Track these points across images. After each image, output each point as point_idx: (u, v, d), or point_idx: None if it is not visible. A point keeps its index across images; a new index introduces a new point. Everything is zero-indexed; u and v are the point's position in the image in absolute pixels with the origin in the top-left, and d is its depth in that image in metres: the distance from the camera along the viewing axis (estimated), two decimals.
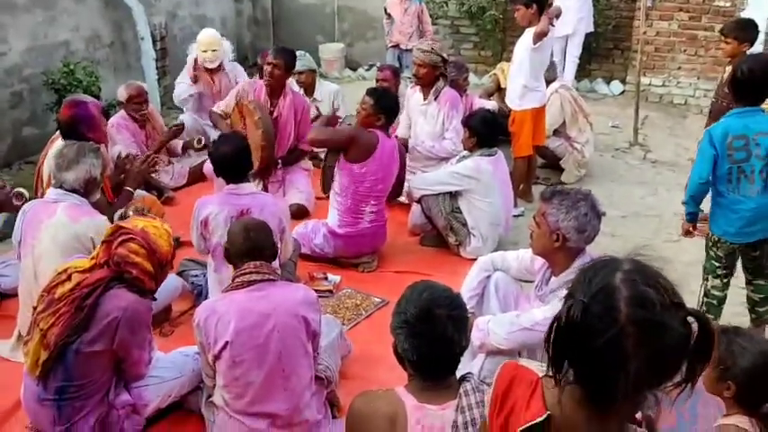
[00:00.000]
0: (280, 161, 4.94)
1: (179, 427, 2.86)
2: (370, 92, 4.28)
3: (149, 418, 2.79)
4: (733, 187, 3.34)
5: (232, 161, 3.50)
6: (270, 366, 2.56)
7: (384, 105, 4.20)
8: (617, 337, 1.19)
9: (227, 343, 2.51)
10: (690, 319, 1.22)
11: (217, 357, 2.55)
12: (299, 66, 5.74)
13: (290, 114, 4.93)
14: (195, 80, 5.87)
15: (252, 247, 2.67)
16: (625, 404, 1.28)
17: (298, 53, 5.82)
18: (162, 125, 5.51)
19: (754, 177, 3.29)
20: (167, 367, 2.80)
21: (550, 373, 1.32)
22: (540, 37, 4.72)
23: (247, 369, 2.54)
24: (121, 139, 4.97)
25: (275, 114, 4.85)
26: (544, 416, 1.35)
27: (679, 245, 4.60)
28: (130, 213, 3.41)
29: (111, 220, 3.57)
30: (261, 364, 2.55)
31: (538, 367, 1.46)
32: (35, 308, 2.65)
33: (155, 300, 2.77)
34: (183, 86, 5.93)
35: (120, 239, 2.61)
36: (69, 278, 2.59)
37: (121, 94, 5.15)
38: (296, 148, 5.07)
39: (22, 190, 3.76)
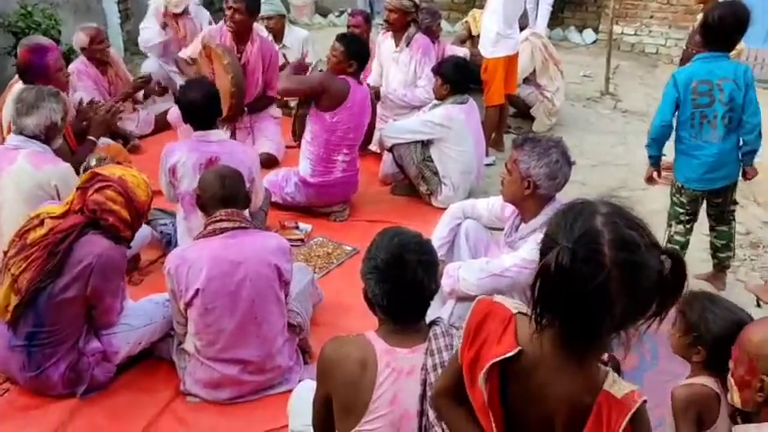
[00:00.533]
0: (246, 109, 4.81)
1: (150, 375, 2.86)
2: (340, 38, 4.17)
3: (120, 365, 2.79)
4: (695, 132, 3.37)
5: (201, 107, 3.41)
6: (242, 313, 2.57)
7: (355, 51, 4.10)
8: (604, 280, 1.21)
9: (198, 290, 2.51)
10: (663, 256, 1.26)
11: (188, 305, 2.55)
12: (267, 10, 5.58)
13: (257, 61, 4.80)
14: (164, 26, 5.68)
15: (225, 195, 2.65)
16: (596, 343, 1.31)
17: None
18: (125, 71, 5.34)
19: (716, 123, 3.33)
20: (137, 315, 2.78)
21: (530, 315, 1.33)
22: None
23: (219, 316, 2.55)
24: (83, 86, 4.81)
25: (243, 61, 4.70)
26: (515, 350, 1.36)
27: (646, 193, 4.66)
28: (92, 163, 3.36)
29: (76, 169, 3.49)
30: (233, 312, 2.55)
31: (512, 304, 1.47)
32: (5, 252, 2.62)
33: (129, 248, 2.75)
34: (152, 31, 5.70)
35: (96, 186, 2.58)
36: (42, 223, 2.57)
37: (80, 39, 4.94)
38: (263, 95, 4.95)
39: None
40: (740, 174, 3.51)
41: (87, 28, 5.01)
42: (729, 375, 1.62)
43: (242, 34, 4.74)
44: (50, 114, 3.17)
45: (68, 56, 5.24)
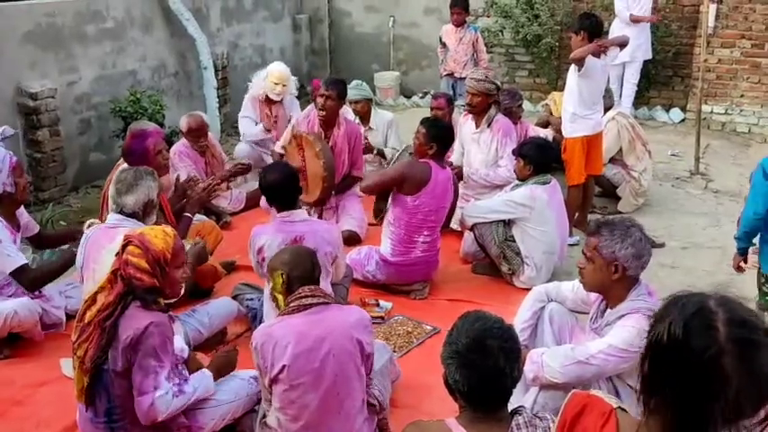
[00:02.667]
0: (334, 190, 5.00)
1: None
2: (424, 121, 4.31)
3: None
4: None
5: (281, 188, 3.56)
6: (325, 390, 2.57)
7: (436, 135, 4.20)
8: (716, 354, 1.16)
9: (284, 366, 2.53)
10: None
11: (273, 381, 2.58)
12: (355, 95, 5.85)
13: (344, 143, 5.02)
14: (261, 113, 6.03)
15: (306, 273, 2.71)
16: None
17: (354, 82, 5.96)
18: (221, 153, 5.66)
19: None
20: (223, 390, 2.83)
21: (637, 398, 1.27)
22: (577, 62, 4.68)
23: (303, 392, 2.56)
24: (183, 166, 5.14)
25: (330, 144, 4.93)
26: None
27: (742, 277, 4.44)
28: (187, 247, 3.56)
29: None
30: (317, 388, 2.57)
31: (612, 399, 1.41)
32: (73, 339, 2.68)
33: (167, 311, 2.71)
34: (255, 128, 6.05)
35: (123, 247, 2.65)
36: (95, 301, 2.62)
37: (183, 124, 5.32)
38: (349, 174, 5.14)
39: None
40: None
41: (192, 117, 5.34)
42: None
43: (330, 119, 4.98)
44: (148, 192, 3.40)
45: (171, 138, 5.64)
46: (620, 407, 1.37)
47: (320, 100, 4.91)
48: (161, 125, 5.50)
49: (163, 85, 7.02)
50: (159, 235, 2.69)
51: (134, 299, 2.59)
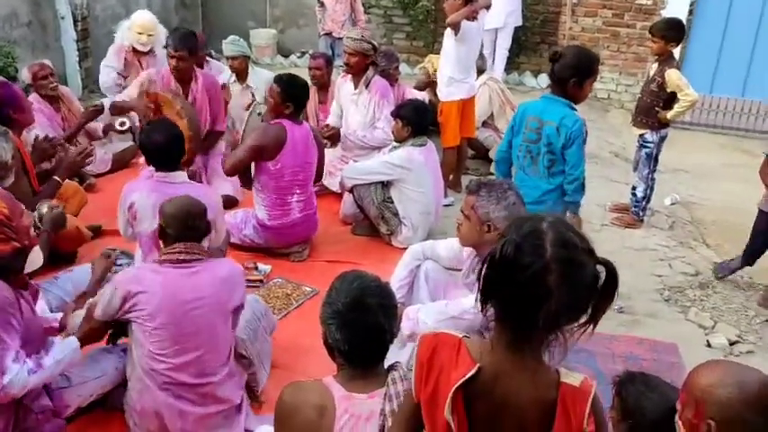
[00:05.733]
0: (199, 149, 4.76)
1: (100, 426, 2.77)
2: (278, 79, 4.16)
3: (69, 417, 2.68)
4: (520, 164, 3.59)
5: (165, 149, 3.39)
6: (191, 341, 2.55)
7: (291, 93, 4.08)
8: (542, 271, 1.33)
9: (148, 315, 2.51)
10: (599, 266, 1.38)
11: (133, 321, 2.55)
12: (232, 50, 5.63)
13: (204, 98, 4.76)
14: (125, 63, 5.67)
15: (189, 230, 2.65)
16: (542, 342, 1.41)
17: (231, 37, 5.73)
18: (78, 107, 5.31)
19: (538, 160, 3.47)
20: (89, 366, 2.69)
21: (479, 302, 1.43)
22: (453, 27, 4.78)
23: (169, 343, 2.53)
24: (37, 122, 4.74)
25: (190, 100, 4.67)
26: (475, 368, 1.41)
27: (598, 235, 4.78)
28: (44, 211, 3.35)
29: (33, 210, 3.42)
30: (181, 339, 2.54)
31: (456, 331, 1.53)
32: None
33: (24, 281, 2.48)
34: (112, 74, 5.70)
35: None
36: None
37: (25, 75, 4.93)
38: (212, 131, 4.91)
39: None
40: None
41: (31, 65, 5.01)
42: (677, 417, 1.66)
43: (185, 75, 4.71)
44: (2, 154, 3.14)
45: (26, 93, 5.18)
46: (464, 335, 1.50)
47: (172, 62, 4.61)
48: (13, 79, 5.05)
49: (15, 35, 6.41)
50: None
51: None
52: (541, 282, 1.32)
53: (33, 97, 4.90)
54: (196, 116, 4.48)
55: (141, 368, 2.58)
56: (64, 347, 2.55)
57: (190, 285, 2.56)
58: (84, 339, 2.64)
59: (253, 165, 4.15)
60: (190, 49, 4.62)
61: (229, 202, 4.72)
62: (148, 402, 2.59)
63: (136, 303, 2.52)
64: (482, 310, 1.43)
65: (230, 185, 4.88)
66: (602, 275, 1.38)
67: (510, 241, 1.36)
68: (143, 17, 5.75)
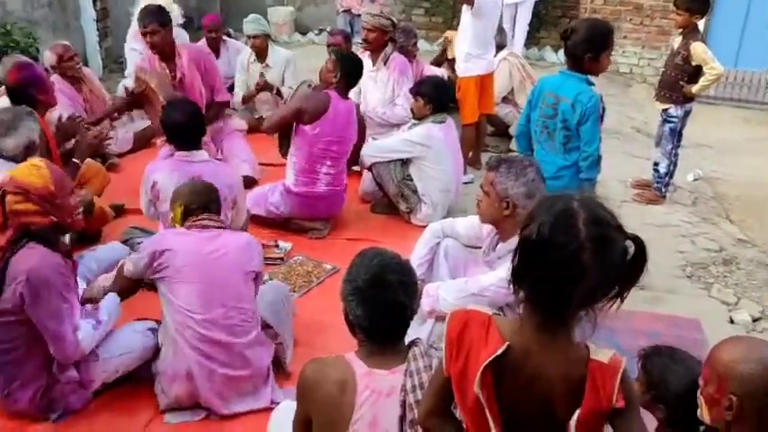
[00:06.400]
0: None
1: (128, 398, 2.82)
2: (337, 52, 4.29)
3: (96, 391, 2.75)
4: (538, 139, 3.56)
5: (184, 128, 3.42)
6: (216, 294, 2.68)
7: (344, 66, 4.16)
8: (577, 250, 1.34)
9: (175, 270, 2.65)
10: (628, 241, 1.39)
11: (162, 279, 2.69)
12: (253, 29, 5.63)
13: (192, 71, 4.68)
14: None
15: (211, 203, 2.85)
16: (572, 319, 1.43)
17: (252, 16, 5.72)
18: (100, 87, 5.34)
19: (554, 135, 3.45)
20: (115, 342, 2.74)
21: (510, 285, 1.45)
22: (468, 2, 4.71)
23: (196, 295, 2.66)
24: (60, 103, 4.78)
25: (178, 76, 4.62)
26: (504, 346, 1.43)
27: (620, 211, 4.73)
28: None
29: None
30: (207, 291, 2.67)
31: (486, 308, 1.54)
32: None
33: (68, 250, 2.64)
34: (138, 58, 5.68)
35: (1, 199, 2.52)
36: None
37: (49, 57, 4.94)
38: (212, 102, 4.83)
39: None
40: None
41: (55, 46, 5.03)
42: (699, 392, 1.66)
43: (166, 52, 4.63)
44: (29, 134, 3.18)
45: (48, 75, 5.22)
46: (494, 312, 1.52)
47: (146, 39, 4.53)
48: (35, 59, 5.07)
49: (36, 16, 6.45)
50: (33, 172, 2.53)
51: (29, 241, 2.49)
52: (577, 260, 1.34)
53: (55, 78, 4.93)
54: (172, 90, 4.45)
55: (173, 328, 2.68)
56: (109, 303, 2.73)
57: (212, 244, 2.71)
58: (119, 294, 2.82)
59: (294, 129, 4.17)
60: (160, 22, 4.52)
61: (248, 182, 4.73)
62: (180, 363, 2.67)
63: (162, 262, 2.66)
64: (514, 292, 1.45)
65: (248, 166, 4.89)
66: (631, 250, 1.39)
67: (545, 222, 1.37)
68: None
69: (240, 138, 5.11)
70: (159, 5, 4.79)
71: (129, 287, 2.87)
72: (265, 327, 2.91)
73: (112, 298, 2.78)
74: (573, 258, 1.34)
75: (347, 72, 4.17)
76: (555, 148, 3.44)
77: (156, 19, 4.51)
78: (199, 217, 2.77)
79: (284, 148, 4.32)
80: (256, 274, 2.82)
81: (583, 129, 3.34)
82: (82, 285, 2.95)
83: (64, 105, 4.77)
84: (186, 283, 2.66)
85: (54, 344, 2.48)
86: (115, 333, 2.79)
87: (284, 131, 4.26)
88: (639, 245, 1.39)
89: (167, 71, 4.62)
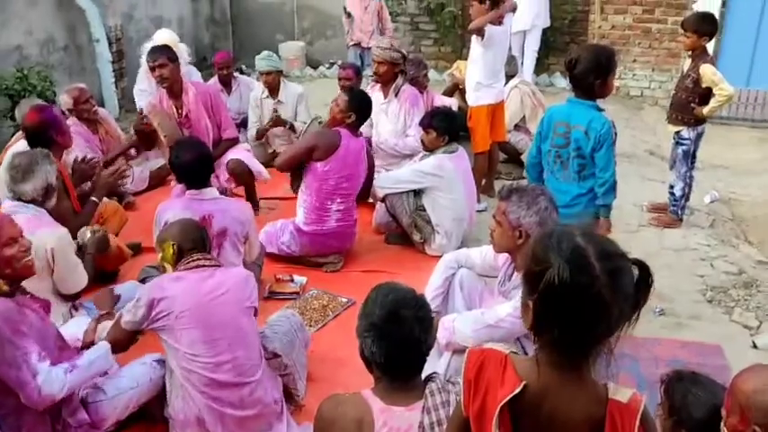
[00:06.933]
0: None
1: None
2: (348, 90, 4.33)
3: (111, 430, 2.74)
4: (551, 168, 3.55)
5: (192, 168, 3.47)
6: (220, 337, 2.62)
7: (357, 105, 4.20)
8: (598, 288, 1.32)
9: (175, 317, 2.58)
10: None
11: (162, 328, 2.61)
12: (265, 66, 5.72)
13: (199, 108, 4.76)
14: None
15: (201, 241, 2.80)
16: (590, 356, 1.40)
17: (264, 53, 5.82)
18: (116, 128, 5.42)
19: (568, 164, 3.46)
20: (123, 377, 2.74)
21: (532, 334, 1.42)
22: (478, 32, 4.76)
23: (200, 341, 2.60)
24: (76, 145, 4.85)
25: (184, 112, 4.72)
26: (521, 385, 1.40)
27: (636, 235, 4.71)
28: (87, 236, 3.53)
29: (76, 230, 3.54)
30: (210, 336, 2.61)
31: (502, 347, 1.52)
32: None
33: (10, 295, 2.53)
34: (148, 99, 5.77)
35: None
36: None
37: (65, 101, 5.02)
38: (220, 139, 4.89)
39: None
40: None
41: (70, 89, 5.11)
42: (723, 423, 1.62)
43: (175, 89, 4.73)
44: (46, 177, 3.23)
45: (65, 117, 5.33)
46: (511, 351, 1.49)
47: (155, 74, 4.66)
48: (52, 102, 5.18)
49: (52, 60, 6.60)
50: None
51: None
52: (599, 298, 1.32)
53: (72, 120, 5.03)
54: (175, 130, 4.54)
55: (180, 375, 2.63)
56: (96, 350, 2.64)
57: (209, 284, 2.65)
58: (113, 345, 2.70)
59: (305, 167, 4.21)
60: (168, 57, 4.65)
61: (239, 167, 4.74)
62: (190, 409, 2.64)
63: (162, 310, 2.58)
64: (536, 341, 1.42)
65: (241, 154, 4.86)
66: (636, 273, 1.39)
67: (562, 267, 1.33)
68: (161, 36, 5.80)
69: (242, 149, 5.12)
70: (165, 44, 4.90)
71: (126, 338, 2.74)
72: (271, 356, 2.86)
73: (101, 347, 2.66)
74: (596, 297, 1.32)
75: (358, 109, 4.21)
76: (569, 177, 3.44)
77: (164, 53, 4.67)
78: (193, 257, 2.71)
79: (296, 184, 4.35)
80: (255, 309, 2.79)
81: (598, 155, 3.35)
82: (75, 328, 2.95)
83: (80, 147, 4.86)
84: (188, 329, 2.58)
85: (19, 391, 2.38)
86: (123, 369, 2.78)
87: (296, 168, 4.30)
88: (643, 267, 1.40)
89: (174, 108, 4.72)
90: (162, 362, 2.80)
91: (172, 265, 2.76)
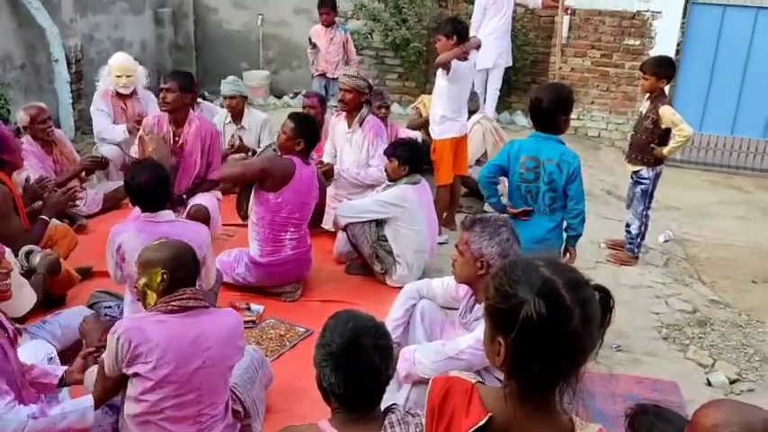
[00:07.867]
0: (186, 195, 4.63)
1: None
2: (292, 116, 4.21)
3: None
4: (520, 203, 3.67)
5: (150, 190, 3.37)
6: (192, 396, 2.47)
7: (304, 130, 4.13)
8: (571, 320, 1.29)
9: (152, 369, 2.39)
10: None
11: (135, 374, 2.42)
12: (230, 90, 5.68)
13: (195, 142, 4.66)
14: (116, 109, 5.67)
15: (192, 274, 2.57)
16: (556, 389, 1.36)
17: (230, 77, 5.80)
18: (71, 150, 5.29)
19: (537, 198, 3.55)
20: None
21: (505, 372, 1.37)
22: (444, 66, 4.82)
23: (170, 397, 2.44)
24: (29, 164, 4.71)
25: (180, 141, 4.62)
26: (486, 417, 1.36)
27: (594, 272, 4.76)
28: (38, 259, 3.43)
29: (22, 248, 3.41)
30: (182, 394, 2.45)
31: (469, 375, 1.48)
32: None
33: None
34: (107, 120, 5.64)
35: None
36: None
37: (22, 118, 4.91)
38: (204, 179, 4.77)
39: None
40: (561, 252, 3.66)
41: (29, 107, 5.01)
42: None
43: (178, 116, 4.63)
44: None
45: (19, 135, 5.18)
46: (478, 381, 1.45)
47: (162, 94, 4.58)
48: (6, 121, 5.06)
49: (8, 78, 6.44)
50: None
51: None
52: (572, 330, 1.30)
53: (26, 139, 4.90)
54: (168, 156, 4.44)
55: (133, 421, 2.46)
56: (77, 403, 2.45)
57: (194, 333, 2.45)
58: (101, 398, 2.50)
59: (254, 196, 4.12)
60: (180, 84, 4.56)
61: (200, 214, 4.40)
62: None
63: (139, 355, 2.39)
64: (512, 378, 1.36)
65: (204, 198, 4.65)
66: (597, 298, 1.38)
67: (536, 302, 1.30)
68: (119, 59, 5.71)
69: (209, 196, 4.99)
70: (187, 72, 4.86)
71: (112, 387, 2.51)
72: (234, 410, 2.72)
73: (84, 402, 2.45)
74: (573, 329, 1.30)
75: (305, 135, 4.12)
76: (540, 211, 3.49)
77: (177, 80, 4.59)
78: (181, 294, 2.47)
79: (243, 209, 4.27)
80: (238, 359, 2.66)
81: (571, 187, 3.44)
82: (44, 351, 2.81)
83: (33, 167, 4.73)
84: (161, 382, 2.41)
85: None
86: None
87: (243, 192, 4.21)
88: (604, 293, 1.39)
89: (172, 135, 4.62)
90: (114, 407, 2.62)
91: (157, 294, 2.51)
